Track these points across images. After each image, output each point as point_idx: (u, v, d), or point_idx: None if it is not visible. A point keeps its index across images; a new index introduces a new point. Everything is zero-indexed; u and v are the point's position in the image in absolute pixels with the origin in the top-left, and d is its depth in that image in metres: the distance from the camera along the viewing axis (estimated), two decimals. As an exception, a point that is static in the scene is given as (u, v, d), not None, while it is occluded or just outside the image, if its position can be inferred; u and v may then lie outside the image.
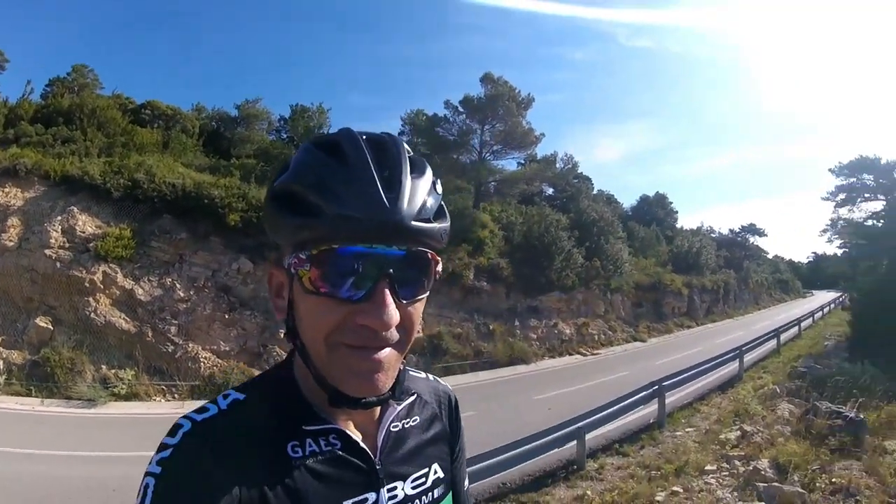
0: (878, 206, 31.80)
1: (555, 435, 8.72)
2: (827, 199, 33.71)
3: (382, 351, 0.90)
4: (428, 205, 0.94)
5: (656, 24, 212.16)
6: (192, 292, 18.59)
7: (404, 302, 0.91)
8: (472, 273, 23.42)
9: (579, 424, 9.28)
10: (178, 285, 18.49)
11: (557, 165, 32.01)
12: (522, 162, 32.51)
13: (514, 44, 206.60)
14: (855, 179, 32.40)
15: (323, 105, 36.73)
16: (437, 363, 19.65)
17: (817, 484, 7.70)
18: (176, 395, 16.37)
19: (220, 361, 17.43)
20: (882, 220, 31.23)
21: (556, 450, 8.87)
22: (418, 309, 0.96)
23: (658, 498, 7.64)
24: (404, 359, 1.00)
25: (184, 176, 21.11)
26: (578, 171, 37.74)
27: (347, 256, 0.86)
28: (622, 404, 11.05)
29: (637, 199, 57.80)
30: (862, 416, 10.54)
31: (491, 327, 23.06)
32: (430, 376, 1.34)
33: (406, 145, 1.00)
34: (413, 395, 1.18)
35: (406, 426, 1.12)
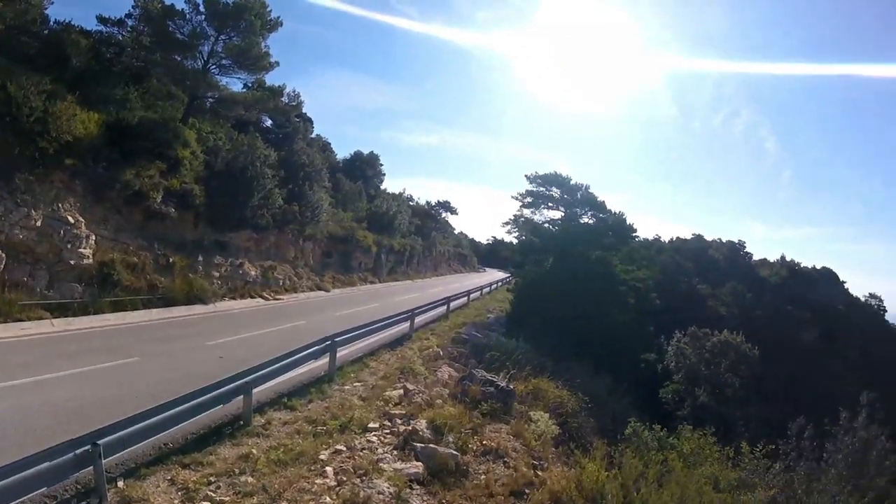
0: (557, 214, 38.56)
1: (221, 390, 8.65)
2: (517, 198, 39.20)
3: None
4: None
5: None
6: None
7: None
8: (161, 195, 21.22)
9: (247, 379, 9.30)
10: None
11: (283, 99, 30.86)
12: (249, 85, 30.75)
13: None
14: (544, 189, 38.01)
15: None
16: (105, 296, 17.71)
17: (470, 446, 8.92)
18: None
19: None
20: (557, 227, 37.11)
21: (221, 406, 8.81)
22: None
23: (322, 456, 8.02)
24: None
25: None
26: (302, 111, 36.92)
27: None
28: (293, 358, 11.35)
29: (351, 153, 59.03)
30: (512, 387, 12.34)
31: (172, 260, 21.32)
32: None
33: None
34: None
35: None
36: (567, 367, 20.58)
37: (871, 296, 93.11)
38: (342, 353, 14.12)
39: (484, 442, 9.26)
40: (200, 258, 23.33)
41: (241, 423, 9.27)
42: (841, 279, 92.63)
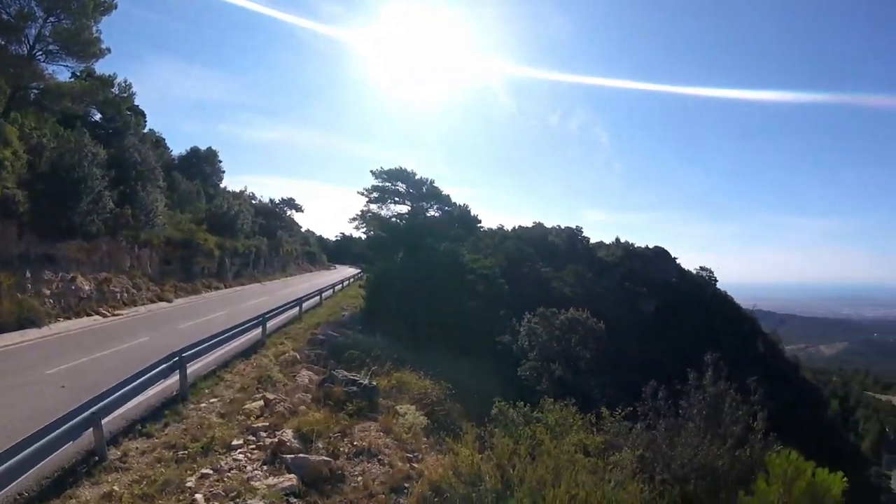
0: (404, 209, 38.55)
1: (66, 426, 7.80)
2: (363, 194, 38.72)
3: None
4: None
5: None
6: None
7: None
8: (-24, 204, 18.72)
9: (94, 409, 8.47)
10: None
11: (113, 90, 28.28)
12: (77, 74, 27.86)
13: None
14: (390, 184, 38.02)
15: None
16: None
17: (341, 449, 8.66)
18: None
19: None
20: (404, 221, 37.21)
21: (71, 442, 8.00)
22: None
23: (189, 483, 7.52)
24: None
25: None
26: (134, 104, 34.04)
27: None
28: (141, 380, 10.49)
29: (188, 149, 55.84)
30: (375, 383, 12.15)
31: (-2, 279, 18.85)
32: None
33: None
34: None
35: None
36: (427, 357, 20.71)
37: (702, 268, 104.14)
38: (193, 368, 13.29)
39: (355, 443, 9.06)
40: (28, 274, 20.54)
41: (97, 458, 8.40)
42: (673, 256, 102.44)
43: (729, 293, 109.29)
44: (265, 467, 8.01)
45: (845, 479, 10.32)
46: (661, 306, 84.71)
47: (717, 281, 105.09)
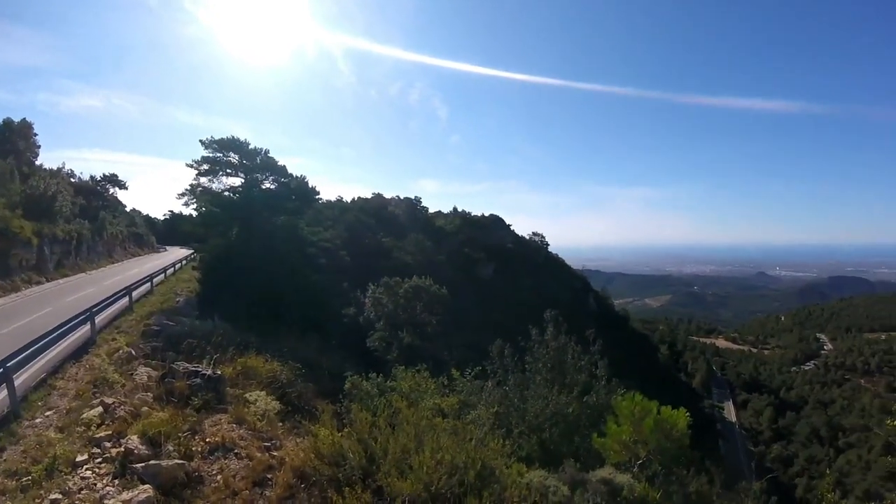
0: (237, 181, 36.09)
1: None
2: (192, 166, 35.81)
3: None
4: None
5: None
6: None
7: None
8: None
9: None
10: None
11: None
12: None
13: None
14: (222, 155, 35.62)
15: None
16: None
17: (194, 448, 8.11)
18: None
19: None
20: (238, 195, 35.29)
21: None
22: None
23: None
24: None
25: None
26: None
27: None
28: None
29: (-1, 121, 49.01)
30: (219, 372, 11.54)
31: None
32: None
33: None
34: None
35: None
36: (272, 338, 20.19)
37: (535, 234, 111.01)
38: (21, 379, 11.89)
39: (207, 440, 8.53)
40: None
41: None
42: (508, 223, 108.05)
43: (561, 256, 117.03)
44: (116, 481, 7.33)
45: (687, 413, 11.39)
46: (498, 270, 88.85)
47: (549, 245, 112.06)
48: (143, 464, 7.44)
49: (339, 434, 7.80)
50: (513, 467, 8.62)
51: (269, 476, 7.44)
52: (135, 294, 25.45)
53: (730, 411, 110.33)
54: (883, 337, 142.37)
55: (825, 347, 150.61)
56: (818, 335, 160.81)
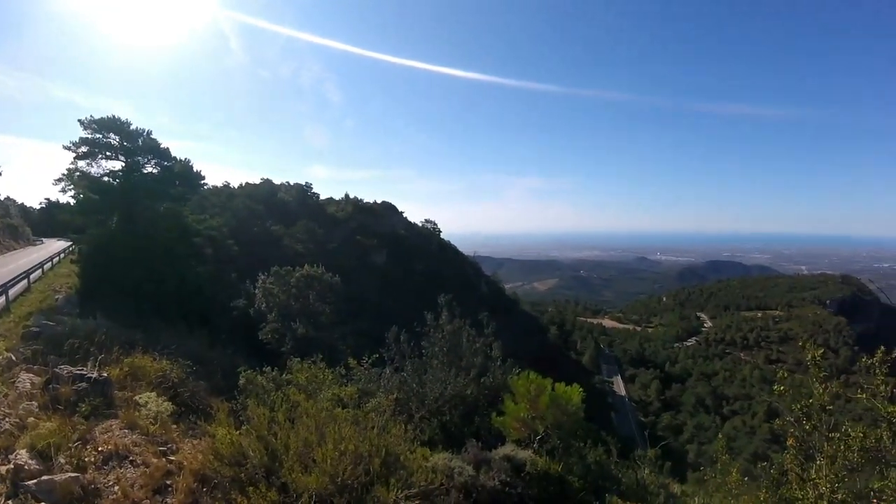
0: (118, 165, 33.81)
1: None
2: (70, 148, 33.33)
3: None
4: None
5: None
6: None
7: None
8: None
9: None
10: None
11: None
12: None
13: None
14: (101, 136, 33.35)
15: None
16: None
17: (87, 459, 7.67)
18: None
19: None
20: (119, 180, 33.36)
21: None
22: None
23: None
24: None
25: None
26: None
27: None
28: None
29: None
30: (106, 375, 11.03)
31: None
32: None
33: None
34: None
35: None
36: (159, 335, 19.52)
37: (427, 221, 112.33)
38: None
39: (100, 448, 8.11)
40: None
41: None
42: (400, 210, 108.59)
43: (453, 242, 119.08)
44: (10, 502, 6.74)
45: (580, 388, 12.03)
46: (391, 257, 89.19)
47: (441, 232, 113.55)
48: (35, 480, 6.89)
49: (238, 433, 7.72)
50: (417, 452, 8.80)
51: (168, 482, 7.25)
52: (11, 293, 23.94)
53: (619, 385, 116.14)
54: (759, 315, 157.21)
55: (705, 325, 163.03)
56: (698, 314, 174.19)
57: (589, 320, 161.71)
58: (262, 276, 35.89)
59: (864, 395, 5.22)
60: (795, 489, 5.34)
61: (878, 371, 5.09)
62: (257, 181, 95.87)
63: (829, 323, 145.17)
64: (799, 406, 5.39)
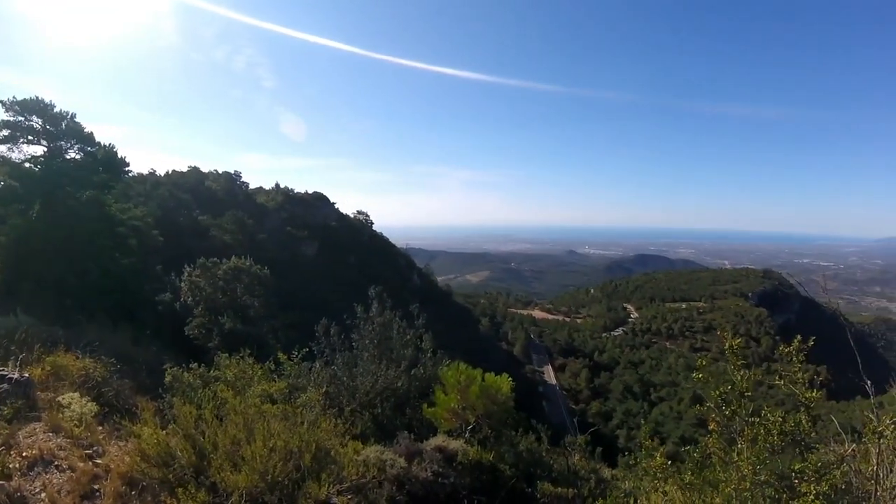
0: (40, 150, 31.97)
1: None
2: None
3: None
4: None
5: None
6: None
7: None
8: None
9: None
10: None
11: None
12: None
13: None
14: (24, 118, 31.38)
15: None
16: None
17: (11, 465, 7.35)
18: None
19: None
20: (40, 166, 31.69)
21: None
22: None
23: None
24: None
25: None
26: None
27: None
28: None
29: None
30: (27, 375, 10.64)
31: None
32: None
33: None
34: None
35: None
36: (82, 331, 18.91)
37: (359, 212, 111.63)
38: None
39: (25, 454, 7.77)
40: None
41: None
42: (332, 201, 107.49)
43: (386, 234, 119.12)
44: None
45: (510, 378, 12.29)
46: (323, 248, 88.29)
47: (373, 223, 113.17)
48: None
49: (164, 432, 7.59)
50: (349, 446, 8.85)
51: (96, 487, 7.09)
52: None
53: (550, 375, 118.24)
54: (683, 306, 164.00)
55: (632, 316, 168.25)
56: (625, 305, 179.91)
57: (520, 311, 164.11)
58: (188, 269, 34.98)
59: (783, 382, 5.56)
60: (719, 471, 5.63)
61: (794, 359, 5.39)
62: (185, 169, 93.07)
63: (751, 314, 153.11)
64: (718, 392, 5.66)
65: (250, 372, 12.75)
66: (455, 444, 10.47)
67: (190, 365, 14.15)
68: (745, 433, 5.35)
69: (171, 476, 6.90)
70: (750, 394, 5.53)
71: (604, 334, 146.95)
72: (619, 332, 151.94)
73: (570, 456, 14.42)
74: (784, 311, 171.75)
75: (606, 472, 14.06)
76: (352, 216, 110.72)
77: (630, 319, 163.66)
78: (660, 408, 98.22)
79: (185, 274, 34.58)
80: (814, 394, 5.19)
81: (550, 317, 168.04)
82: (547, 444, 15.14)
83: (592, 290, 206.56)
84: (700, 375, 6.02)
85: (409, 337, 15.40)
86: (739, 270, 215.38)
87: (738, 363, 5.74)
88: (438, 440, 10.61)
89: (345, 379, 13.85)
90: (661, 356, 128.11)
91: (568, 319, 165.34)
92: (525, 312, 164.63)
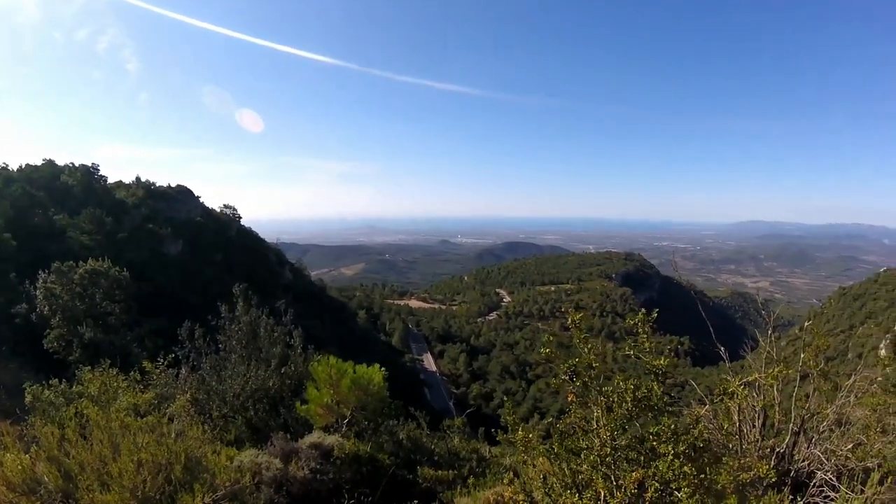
0: None
1: None
2: None
3: None
4: None
5: None
6: None
7: None
8: None
9: None
10: None
11: None
12: None
13: None
14: None
15: None
16: None
17: None
18: None
19: None
20: None
21: None
22: None
23: None
24: None
25: None
26: None
27: None
28: None
29: None
30: None
31: None
32: None
33: None
34: None
35: None
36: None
37: (226, 206, 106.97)
38: None
39: None
40: None
41: None
42: (197, 195, 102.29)
43: (254, 229, 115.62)
44: None
45: (383, 369, 12.47)
46: (187, 246, 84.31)
47: (241, 218, 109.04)
48: None
49: (27, 457, 7.29)
50: (222, 452, 8.71)
51: (-40, 522, 6.74)
52: None
53: (429, 362, 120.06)
54: (553, 289, 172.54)
55: (504, 300, 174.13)
56: (497, 290, 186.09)
57: (396, 302, 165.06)
58: (43, 275, 32.75)
59: (633, 351, 6.09)
60: (580, 439, 6.08)
61: (641, 330, 5.90)
62: (39, 162, 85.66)
63: (616, 293, 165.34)
64: (567, 365, 6.09)
65: (115, 385, 12.22)
66: (331, 440, 10.52)
67: (50, 382, 13.43)
68: (600, 402, 5.80)
69: (38, 503, 6.63)
70: (597, 365, 5.99)
71: (479, 319, 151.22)
72: (493, 316, 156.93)
73: (450, 439, 14.83)
74: (646, 289, 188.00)
75: (487, 451, 14.57)
76: (218, 210, 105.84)
77: (503, 304, 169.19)
78: (537, 384, 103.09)
79: (40, 281, 32.31)
80: (662, 361, 5.68)
81: (427, 305, 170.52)
82: (426, 429, 15.47)
83: (466, 278, 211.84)
84: (546, 351, 6.42)
85: (276, 334, 15.20)
86: (603, 254, 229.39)
87: (583, 336, 6.22)
88: (314, 437, 10.62)
89: (213, 383, 13.53)
90: (534, 336, 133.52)
91: (444, 307, 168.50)
92: (402, 303, 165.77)
